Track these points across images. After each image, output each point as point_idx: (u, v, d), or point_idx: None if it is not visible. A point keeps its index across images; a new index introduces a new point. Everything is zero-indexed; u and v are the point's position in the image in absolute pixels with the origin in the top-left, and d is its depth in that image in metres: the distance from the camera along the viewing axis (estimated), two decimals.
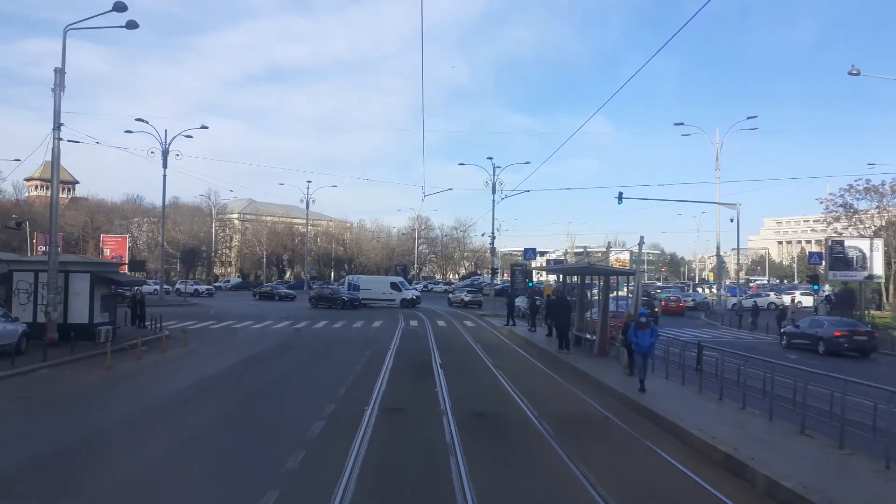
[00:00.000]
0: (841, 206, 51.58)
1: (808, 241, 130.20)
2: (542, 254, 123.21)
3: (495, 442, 10.72)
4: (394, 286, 53.24)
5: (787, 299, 54.16)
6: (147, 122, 49.21)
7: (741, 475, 8.82)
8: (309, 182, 78.58)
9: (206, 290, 63.50)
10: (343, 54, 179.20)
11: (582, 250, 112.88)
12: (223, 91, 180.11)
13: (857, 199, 50.92)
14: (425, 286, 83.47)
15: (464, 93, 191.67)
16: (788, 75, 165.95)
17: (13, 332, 19.86)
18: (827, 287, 49.10)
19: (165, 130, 41.78)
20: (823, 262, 40.66)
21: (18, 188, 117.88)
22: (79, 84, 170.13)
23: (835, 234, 48.04)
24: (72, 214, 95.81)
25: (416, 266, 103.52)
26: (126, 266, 51.19)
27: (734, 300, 50.55)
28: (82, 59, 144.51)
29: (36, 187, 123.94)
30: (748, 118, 47.25)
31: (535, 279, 50.42)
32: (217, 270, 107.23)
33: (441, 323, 36.43)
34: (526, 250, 53.00)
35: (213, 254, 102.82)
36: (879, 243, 38.66)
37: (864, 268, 38.19)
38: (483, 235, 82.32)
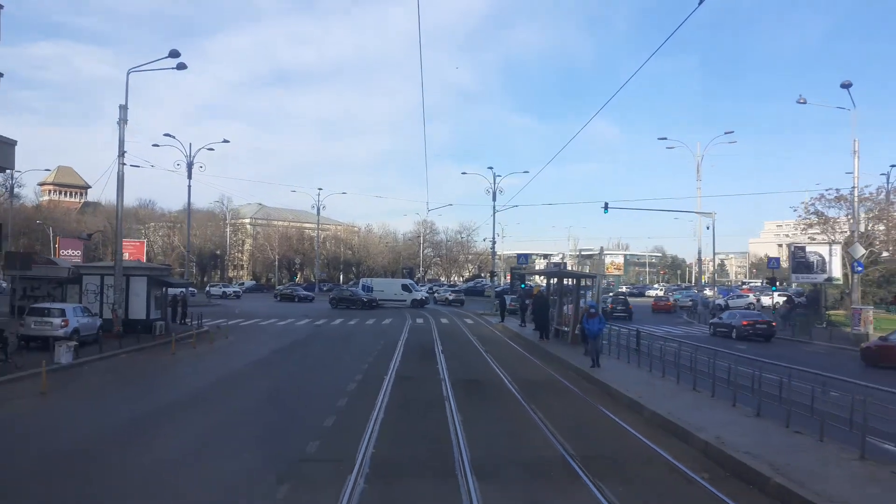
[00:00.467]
0: (813, 213, 55.72)
1: (830, 242, 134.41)
2: (546, 256, 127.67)
3: (477, 395, 15.21)
4: (405, 288, 57.94)
5: (766, 300, 58.39)
6: (174, 137, 53.77)
7: (637, 411, 13.26)
8: (320, 189, 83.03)
9: (234, 292, 67.92)
10: (349, 57, 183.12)
11: (578, 254, 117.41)
12: (229, 94, 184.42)
13: (828, 208, 55.07)
14: (430, 288, 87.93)
15: (469, 95, 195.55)
16: (789, 75, 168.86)
17: (94, 324, 24.42)
18: (795, 286, 53.12)
19: (190, 144, 46.00)
20: (781, 266, 44.92)
21: (39, 193, 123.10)
22: (79, 84, 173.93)
23: (808, 240, 52.35)
24: (92, 220, 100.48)
25: (421, 269, 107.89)
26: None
27: (721, 300, 54.95)
28: (84, 61, 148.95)
29: (49, 192, 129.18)
30: (726, 133, 51.59)
31: (526, 282, 54.92)
32: (230, 274, 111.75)
33: (444, 320, 40.91)
34: (519, 256, 57.58)
35: (227, 257, 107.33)
36: (838, 248, 42.98)
37: (823, 271, 42.58)
38: (485, 240, 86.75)
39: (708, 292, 68.78)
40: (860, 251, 33.10)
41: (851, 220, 55.28)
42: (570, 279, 26.50)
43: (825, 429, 10.25)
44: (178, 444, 10.95)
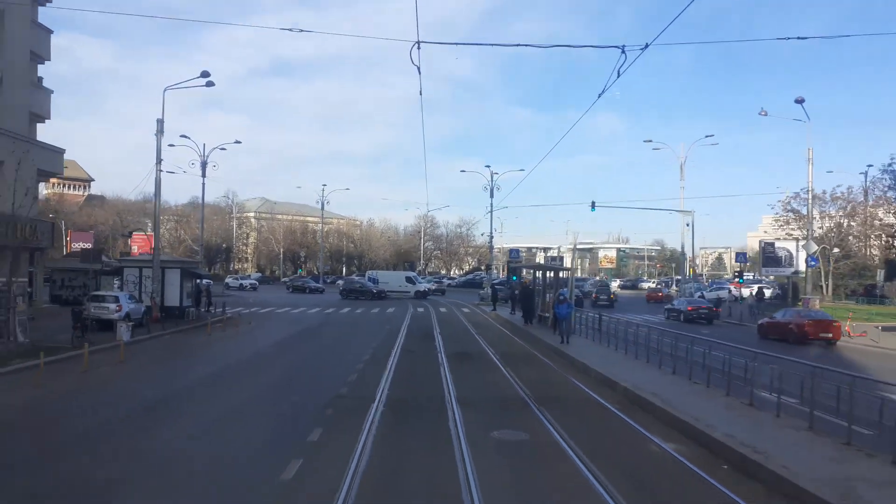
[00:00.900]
0: (790, 210, 59.75)
1: (797, 238, 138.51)
2: (546, 250, 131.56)
3: (466, 363, 19.21)
4: (409, 280, 62.35)
5: (745, 291, 62.48)
6: (189, 138, 57.62)
7: (585, 372, 17.26)
8: (324, 185, 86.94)
9: (251, 284, 71.73)
10: (349, 49, 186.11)
11: (575, 247, 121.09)
12: (229, 86, 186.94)
13: (803, 206, 59.05)
14: (434, 280, 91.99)
15: (470, 87, 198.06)
16: (789, 72, 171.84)
17: (140, 309, 28.40)
18: (771, 278, 57.21)
19: (204, 144, 49.71)
20: (749, 261, 48.89)
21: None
22: (82, 78, 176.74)
23: (785, 236, 56.40)
24: (100, 213, 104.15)
25: (422, 262, 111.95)
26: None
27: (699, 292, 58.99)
28: (84, 52, 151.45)
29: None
30: (706, 136, 55.41)
31: (517, 274, 59.08)
32: (235, 266, 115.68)
33: (443, 309, 44.94)
34: (511, 251, 61.91)
35: (233, 250, 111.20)
36: (811, 244, 46.86)
37: (791, 265, 46.59)
38: (483, 235, 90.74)
39: (674, 287, 72.98)
40: (813, 248, 37.05)
41: (824, 217, 59.74)
42: (549, 272, 30.47)
43: (711, 379, 14.24)
44: (243, 393, 14.94)
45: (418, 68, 16.63)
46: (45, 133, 34.50)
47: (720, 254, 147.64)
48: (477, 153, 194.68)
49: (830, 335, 26.51)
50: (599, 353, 20.65)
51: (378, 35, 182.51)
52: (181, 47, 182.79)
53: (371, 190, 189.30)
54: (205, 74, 31.43)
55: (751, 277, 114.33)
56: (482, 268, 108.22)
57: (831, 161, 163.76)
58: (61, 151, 33.72)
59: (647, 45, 13.58)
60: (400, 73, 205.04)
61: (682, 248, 61.46)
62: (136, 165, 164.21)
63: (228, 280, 72.99)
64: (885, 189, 60.82)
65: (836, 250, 58.10)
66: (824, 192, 58.55)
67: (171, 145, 62.19)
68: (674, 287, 79.65)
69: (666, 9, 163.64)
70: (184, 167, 48.59)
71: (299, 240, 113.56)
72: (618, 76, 13.60)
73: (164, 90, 32.14)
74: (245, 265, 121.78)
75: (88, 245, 65.56)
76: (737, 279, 49.13)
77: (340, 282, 77.99)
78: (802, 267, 46.86)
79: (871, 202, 61.33)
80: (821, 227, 59.82)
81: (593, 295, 53.15)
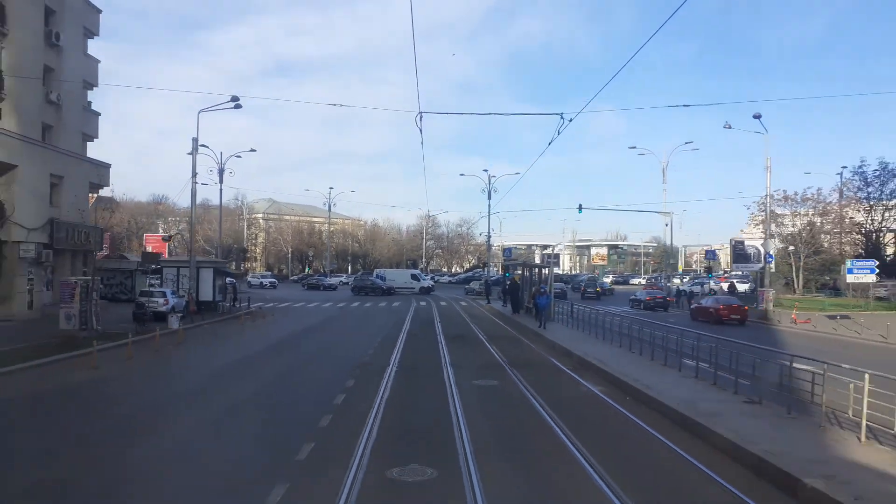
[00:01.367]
0: (764, 211, 64.18)
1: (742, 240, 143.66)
2: (545, 247, 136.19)
3: (459, 342, 23.83)
4: (414, 277, 67.42)
5: (724, 286, 67.06)
6: (207, 147, 62.20)
7: (552, 347, 21.87)
8: (331, 188, 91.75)
9: (270, 282, 75.85)
10: (351, 49, 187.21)
11: (574, 245, 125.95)
12: (231, 86, 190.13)
13: (777, 206, 63.60)
14: (432, 278, 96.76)
15: (472, 86, 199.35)
16: (789, 68, 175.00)
17: (181, 303, 33.03)
18: (749, 272, 61.62)
19: (221, 153, 54.09)
20: (718, 258, 53.46)
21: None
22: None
23: (761, 234, 60.90)
24: (117, 216, 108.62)
25: (424, 260, 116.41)
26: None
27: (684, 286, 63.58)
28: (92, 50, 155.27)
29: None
30: (686, 143, 59.94)
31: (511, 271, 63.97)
32: (244, 266, 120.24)
33: (443, 303, 49.60)
34: (505, 250, 66.57)
35: (244, 251, 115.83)
36: (771, 242, 51.39)
37: (759, 261, 50.95)
38: (480, 235, 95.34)
39: (676, 280, 77.64)
40: (771, 246, 41.64)
41: (796, 216, 64.29)
42: (535, 269, 35.14)
43: (643, 349, 18.87)
44: (284, 365, 19.54)
45: (420, 130, 21.21)
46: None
47: (715, 251, 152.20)
48: (478, 152, 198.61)
49: (739, 317, 33.53)
50: (569, 334, 25.28)
51: (379, 34, 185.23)
52: (182, 47, 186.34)
53: (374, 189, 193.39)
54: (234, 99, 35.96)
55: (738, 273, 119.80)
56: (482, 265, 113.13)
57: (816, 161, 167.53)
58: (107, 166, 38.39)
59: (579, 111, 18.34)
60: (402, 71, 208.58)
61: (667, 246, 66.72)
62: (141, 166, 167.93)
63: (250, 279, 77.46)
64: (856, 190, 65.39)
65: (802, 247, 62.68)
66: (796, 193, 63.29)
67: (188, 154, 67.86)
68: (674, 281, 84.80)
69: (668, 4, 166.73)
70: (201, 172, 52.88)
71: (306, 240, 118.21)
72: (558, 134, 18.21)
73: (199, 112, 36.94)
74: (254, 265, 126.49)
75: (106, 245, 70.13)
76: (706, 274, 53.64)
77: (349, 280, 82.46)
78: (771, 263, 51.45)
79: (843, 202, 65.81)
80: (793, 226, 64.46)
81: (582, 288, 58.08)
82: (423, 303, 49.27)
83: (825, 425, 10.38)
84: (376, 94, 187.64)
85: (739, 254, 51.10)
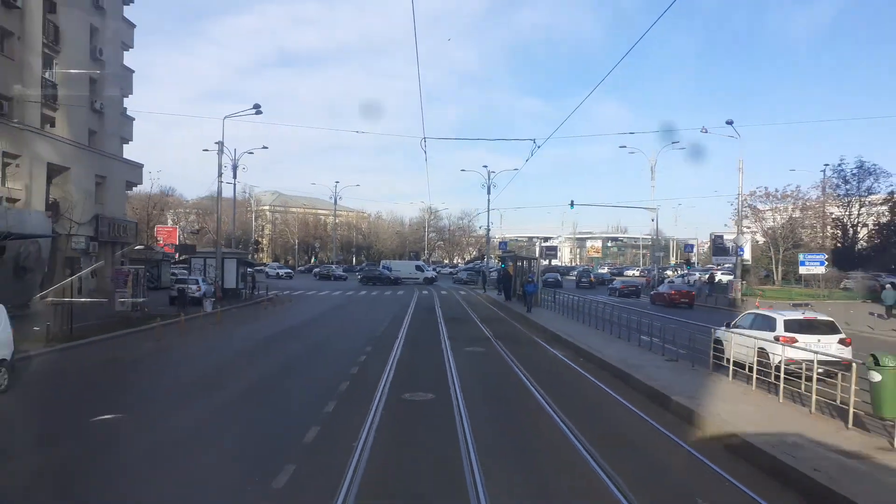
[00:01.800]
0: (747, 206, 68.21)
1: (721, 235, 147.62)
2: (547, 239, 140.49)
3: (456, 322, 28.02)
4: (418, 268, 71.77)
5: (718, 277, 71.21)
6: (222, 143, 66.25)
7: (533, 325, 26.03)
8: (337, 182, 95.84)
9: (287, 273, 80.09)
10: (354, 39, 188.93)
11: (574, 235, 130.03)
12: (234, 77, 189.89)
13: (758, 202, 67.69)
14: (434, 269, 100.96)
15: (475, 77, 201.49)
16: (787, 62, 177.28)
17: (211, 290, 37.25)
18: (729, 265, 65.75)
19: (235, 149, 58.10)
20: (696, 250, 57.50)
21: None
22: None
23: (744, 228, 64.98)
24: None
25: (426, 252, 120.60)
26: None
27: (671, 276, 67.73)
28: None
29: None
30: (672, 143, 63.71)
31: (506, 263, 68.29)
32: (252, 256, 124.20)
33: (444, 292, 53.79)
34: (501, 243, 70.73)
35: (257, 243, 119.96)
36: (748, 237, 55.50)
37: (735, 254, 55.04)
38: (481, 228, 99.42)
39: (669, 272, 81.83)
40: (742, 241, 45.71)
41: (777, 211, 68.29)
42: (524, 261, 39.31)
43: (606, 327, 23.02)
44: (312, 339, 23.74)
45: (425, 152, 25.26)
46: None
47: (692, 244, 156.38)
48: (481, 143, 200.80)
49: (687, 300, 39.46)
50: (550, 316, 29.46)
51: (382, 24, 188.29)
52: (184, 36, 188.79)
53: (377, 181, 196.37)
54: (256, 106, 40.01)
55: (729, 266, 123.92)
56: (481, 258, 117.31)
57: (802, 159, 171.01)
58: (140, 166, 42.56)
59: (547, 138, 22.23)
60: (405, 62, 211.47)
61: (652, 241, 70.76)
62: (144, 157, 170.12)
63: (268, 269, 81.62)
64: (834, 187, 69.33)
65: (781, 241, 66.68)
66: (776, 190, 67.33)
67: (205, 150, 71.75)
68: (667, 273, 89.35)
69: None
70: (215, 168, 56.62)
71: (312, 232, 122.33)
72: (525, 162, 22.19)
73: (224, 118, 40.94)
74: (261, 255, 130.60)
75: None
76: (685, 266, 57.76)
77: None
78: (747, 255, 55.59)
79: (822, 198, 69.76)
80: (774, 221, 68.53)
81: (577, 278, 62.78)
82: (425, 291, 53.50)
83: (711, 371, 14.56)
84: (380, 86, 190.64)
85: (718, 247, 55.20)
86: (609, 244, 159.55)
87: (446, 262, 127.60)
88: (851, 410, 9.59)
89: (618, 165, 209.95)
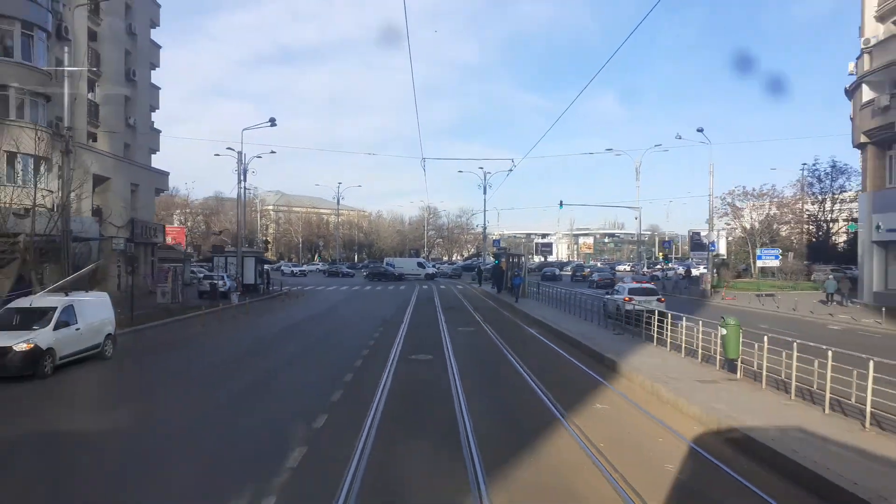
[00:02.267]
0: (727, 204, 72.77)
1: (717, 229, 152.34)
2: (544, 236, 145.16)
3: (452, 311, 32.49)
4: (420, 265, 76.30)
5: (695, 271, 75.70)
6: (233, 150, 70.53)
7: (516, 312, 30.48)
8: (340, 183, 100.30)
9: (300, 271, 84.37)
10: (351, 33, 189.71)
11: (572, 232, 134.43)
12: (232, 72, 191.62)
13: (737, 200, 72.22)
14: (434, 265, 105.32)
15: (473, 71, 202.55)
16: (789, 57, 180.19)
17: (234, 285, 41.69)
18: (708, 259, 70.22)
19: (245, 153, 62.16)
20: (674, 246, 61.92)
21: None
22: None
23: (725, 225, 69.60)
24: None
25: (425, 249, 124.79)
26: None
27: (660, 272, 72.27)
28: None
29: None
30: (655, 146, 68.14)
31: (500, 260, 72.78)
32: None
33: (442, 286, 58.25)
34: (495, 241, 75.20)
35: (267, 242, 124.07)
36: (724, 233, 59.96)
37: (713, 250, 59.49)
38: (477, 226, 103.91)
39: (658, 267, 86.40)
40: (713, 237, 50.05)
41: (755, 209, 72.76)
42: (514, 257, 43.77)
43: (581, 313, 27.48)
44: (331, 324, 28.19)
45: (424, 169, 29.60)
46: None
47: (671, 240, 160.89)
48: (479, 137, 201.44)
49: None
50: (535, 305, 33.94)
51: (378, 19, 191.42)
52: (181, 33, 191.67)
53: (375, 177, 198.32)
54: (271, 120, 44.39)
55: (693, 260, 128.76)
56: (481, 254, 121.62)
57: (787, 157, 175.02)
58: (167, 174, 46.98)
59: (525, 156, 26.63)
60: (404, 57, 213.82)
61: (638, 238, 75.32)
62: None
63: (283, 267, 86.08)
64: (809, 185, 73.82)
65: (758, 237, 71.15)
66: (754, 189, 71.92)
67: (217, 155, 76.44)
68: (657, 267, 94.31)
69: None
70: (225, 171, 60.84)
71: (315, 231, 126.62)
72: (504, 178, 26.53)
73: (242, 131, 45.37)
74: (267, 254, 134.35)
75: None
76: (663, 261, 62.20)
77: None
78: (722, 251, 60.10)
79: (797, 196, 74.25)
80: (752, 218, 73.10)
81: (571, 272, 67.70)
82: (426, 286, 57.98)
83: (643, 340, 19.08)
84: (379, 80, 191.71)
85: (696, 243, 59.60)
86: (606, 240, 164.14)
87: (445, 258, 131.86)
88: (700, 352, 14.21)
89: (609, 165, 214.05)
